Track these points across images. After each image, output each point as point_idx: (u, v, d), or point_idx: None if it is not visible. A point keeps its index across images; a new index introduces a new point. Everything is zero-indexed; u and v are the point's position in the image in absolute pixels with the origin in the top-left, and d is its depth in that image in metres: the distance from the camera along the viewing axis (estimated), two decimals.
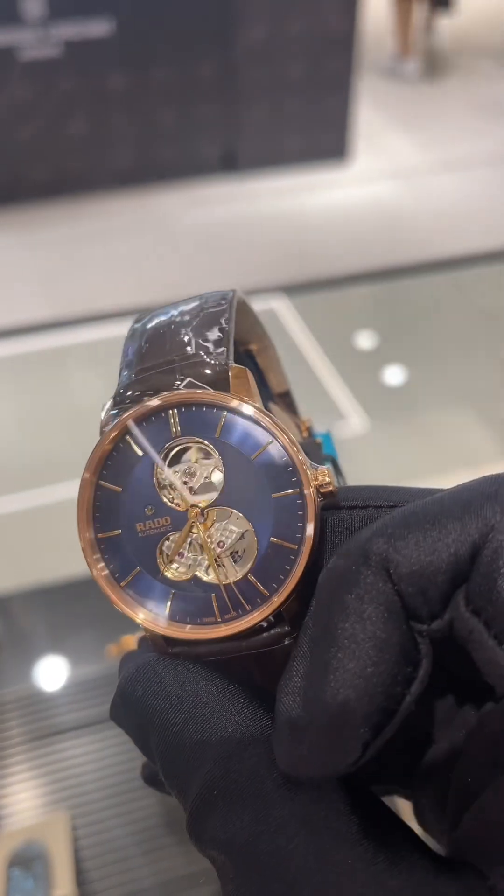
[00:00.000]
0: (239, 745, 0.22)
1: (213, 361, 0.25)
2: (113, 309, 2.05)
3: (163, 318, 0.28)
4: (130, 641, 0.94)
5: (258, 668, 0.25)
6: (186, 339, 0.26)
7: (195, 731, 0.23)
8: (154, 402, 0.25)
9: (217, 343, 0.26)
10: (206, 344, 0.26)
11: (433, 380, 1.96)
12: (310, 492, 0.24)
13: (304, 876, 0.20)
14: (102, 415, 0.26)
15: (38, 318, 2.58)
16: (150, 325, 0.28)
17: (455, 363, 2.02)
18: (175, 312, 0.28)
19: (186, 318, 0.27)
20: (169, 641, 0.25)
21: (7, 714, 1.00)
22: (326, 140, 3.31)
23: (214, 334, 0.26)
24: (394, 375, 2.10)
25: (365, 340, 2.19)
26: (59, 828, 0.90)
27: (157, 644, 0.25)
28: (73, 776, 0.97)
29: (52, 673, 1.07)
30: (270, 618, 0.24)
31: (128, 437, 0.25)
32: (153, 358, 0.26)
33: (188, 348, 0.26)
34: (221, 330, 0.26)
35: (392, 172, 3.35)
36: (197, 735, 0.23)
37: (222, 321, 0.27)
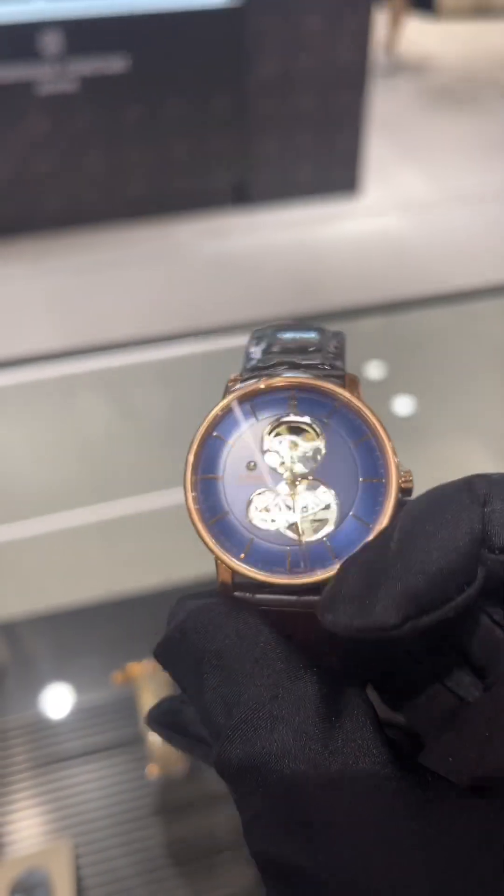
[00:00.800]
0: (289, 679, 0.24)
1: (334, 364, 0.30)
2: (125, 338, 2.07)
3: (287, 326, 0.33)
4: (135, 669, 0.94)
5: (302, 627, 0.27)
6: (311, 347, 0.31)
7: (251, 666, 0.25)
8: (279, 380, 0.29)
9: (336, 357, 0.31)
10: (327, 355, 0.31)
11: (441, 412, 1.97)
12: (395, 484, 0.28)
13: (326, 802, 0.22)
14: (228, 384, 0.30)
15: (50, 346, 2.61)
16: (276, 328, 0.33)
17: (463, 395, 2.02)
18: (300, 335, 0.33)
19: (308, 333, 0.32)
20: (234, 586, 0.28)
21: (11, 741, 0.99)
22: (337, 173, 3.36)
23: (335, 349, 0.31)
24: (402, 406, 2.10)
25: (373, 371, 2.20)
26: (62, 856, 0.89)
27: (224, 586, 0.28)
28: (76, 804, 0.96)
29: (56, 699, 1.07)
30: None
31: (249, 402, 0.29)
32: (282, 352, 0.31)
33: (311, 351, 0.31)
34: (340, 351, 0.32)
35: (402, 205, 3.39)
36: (251, 669, 0.25)
37: (339, 340, 0.32)
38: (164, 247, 3.12)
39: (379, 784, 0.22)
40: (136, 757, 0.97)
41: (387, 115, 3.86)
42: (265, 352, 0.31)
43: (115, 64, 2.89)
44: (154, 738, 0.91)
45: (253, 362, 0.31)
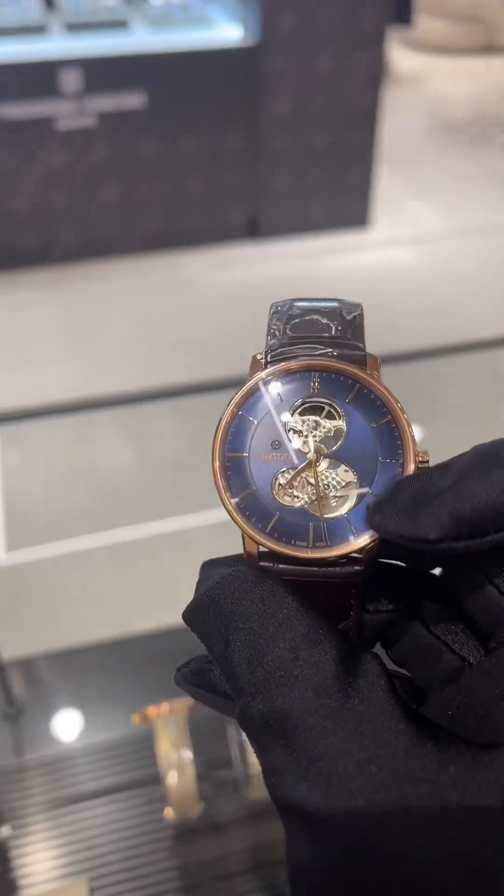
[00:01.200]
0: (309, 642, 0.26)
1: (355, 344, 0.32)
2: (137, 376, 2.09)
3: (307, 305, 0.34)
4: (155, 711, 0.95)
5: (324, 597, 0.29)
6: (333, 325, 0.33)
7: (274, 629, 0.26)
8: (303, 361, 0.31)
9: (356, 334, 0.33)
10: (348, 333, 0.32)
11: (450, 453, 1.98)
12: (411, 463, 0.30)
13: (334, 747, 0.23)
14: (253, 364, 0.31)
15: (66, 373, 2.64)
16: (297, 309, 0.33)
17: (475, 438, 2.03)
18: (319, 305, 0.34)
19: (329, 310, 0.33)
20: (260, 557, 0.29)
21: (29, 780, 1.00)
22: (348, 208, 3.41)
23: (354, 328, 0.33)
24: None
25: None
26: (78, 895, 0.90)
27: (251, 557, 0.29)
28: (93, 845, 0.97)
29: (73, 739, 1.08)
30: (353, 554, 0.29)
31: (273, 382, 0.30)
32: (303, 331, 0.32)
33: (335, 331, 0.32)
34: (359, 326, 0.33)
35: (412, 239, 3.44)
36: (274, 631, 0.26)
37: (359, 319, 0.34)
38: (176, 277, 3.16)
39: (393, 738, 0.23)
40: (153, 798, 0.98)
41: (396, 149, 3.92)
42: (287, 331, 0.32)
43: (132, 100, 2.95)
44: (171, 780, 0.92)
45: (275, 342, 0.32)
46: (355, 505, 0.29)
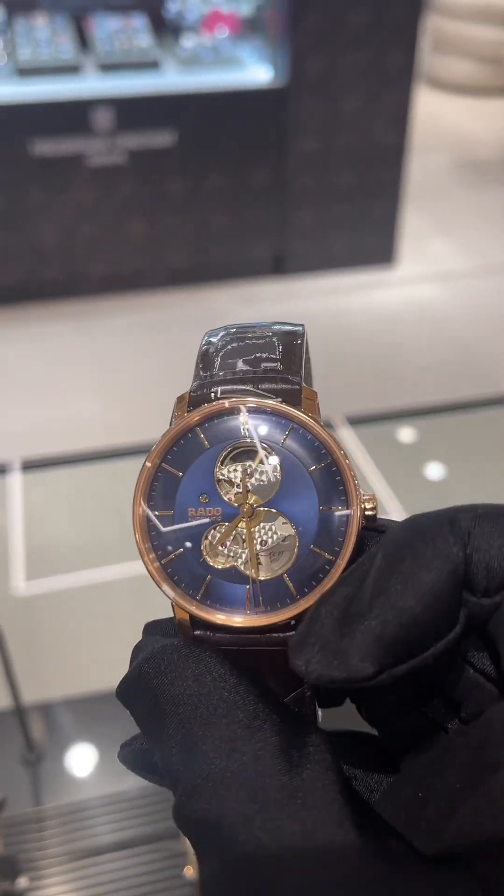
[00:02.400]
0: (248, 730, 0.23)
1: (288, 378, 0.28)
2: (161, 411, 2.10)
3: (238, 335, 0.30)
4: None
5: (269, 668, 0.26)
6: (265, 356, 0.29)
7: (208, 714, 0.24)
8: (229, 402, 0.27)
9: (290, 367, 0.29)
10: (282, 366, 0.29)
11: (469, 483, 1.96)
12: (356, 512, 0.26)
13: (287, 861, 0.21)
14: (175, 409, 0.28)
15: (90, 408, 2.66)
16: (227, 341, 0.30)
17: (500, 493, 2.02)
18: (253, 332, 0.30)
19: (261, 341, 0.30)
20: (193, 625, 0.26)
21: (47, 830, 0.99)
22: (373, 245, 3.43)
23: (289, 359, 0.29)
24: (433, 471, 2.10)
25: (404, 433, 2.21)
26: None
27: (183, 626, 0.27)
28: None
29: (93, 787, 1.06)
30: (293, 621, 0.26)
31: (197, 428, 0.27)
32: (231, 368, 0.29)
33: (266, 364, 0.29)
34: (296, 356, 0.29)
35: (437, 277, 3.44)
36: (209, 717, 0.24)
37: (297, 349, 0.29)
38: (202, 312, 3.19)
39: (340, 855, 0.21)
40: (173, 853, 0.96)
41: (421, 187, 3.95)
42: (215, 365, 0.29)
43: (161, 139, 3.00)
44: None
45: (201, 380, 0.28)
46: (295, 562, 0.26)
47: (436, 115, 5.09)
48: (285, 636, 0.26)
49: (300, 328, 0.30)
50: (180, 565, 0.27)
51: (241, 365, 0.29)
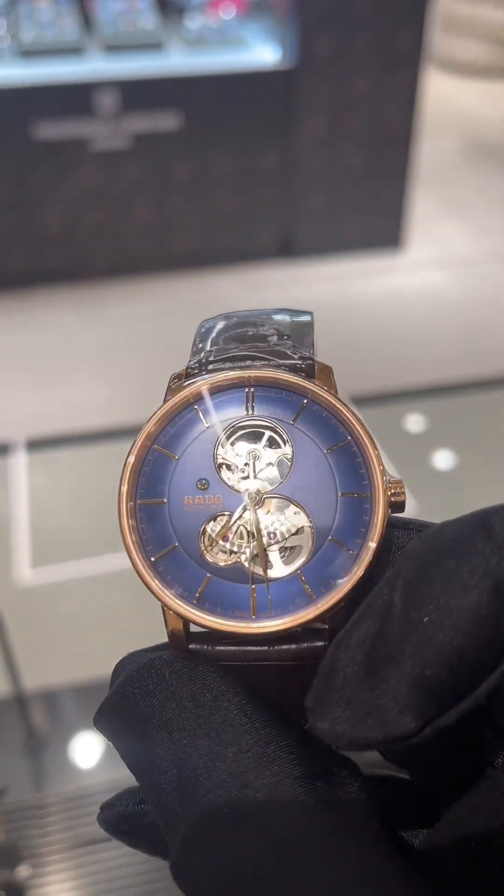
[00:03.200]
0: (260, 760, 0.19)
1: (300, 351, 0.24)
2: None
3: (241, 320, 0.27)
4: None
5: (277, 684, 0.22)
6: (272, 332, 0.25)
7: (211, 742, 0.20)
8: (232, 374, 0.23)
9: (303, 343, 0.25)
10: (292, 342, 0.25)
11: (481, 468, 1.93)
12: (382, 498, 0.22)
13: None
14: (170, 383, 0.24)
15: (96, 394, 2.64)
16: (229, 320, 0.26)
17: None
18: (256, 314, 0.27)
19: (267, 318, 0.26)
20: (189, 637, 0.23)
21: (49, 817, 0.97)
22: (382, 228, 3.39)
23: (300, 338, 0.25)
24: (443, 461, 2.07)
25: (412, 417, 2.18)
26: None
27: (176, 638, 0.23)
28: (112, 888, 0.93)
29: (94, 774, 1.05)
30: (310, 625, 0.22)
31: (195, 406, 0.23)
32: (236, 343, 0.25)
33: (274, 339, 0.25)
34: (307, 336, 0.26)
35: (446, 261, 3.40)
36: (212, 747, 0.19)
37: (306, 328, 0.26)
38: (208, 297, 3.16)
39: None
40: None
41: (430, 170, 3.90)
42: (216, 342, 0.25)
43: (167, 122, 2.97)
44: None
45: (200, 356, 0.25)
46: (310, 558, 0.22)
47: (446, 97, 5.02)
48: (299, 648, 0.22)
49: (308, 315, 0.27)
50: (174, 563, 0.23)
51: (244, 340, 0.25)
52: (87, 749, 1.10)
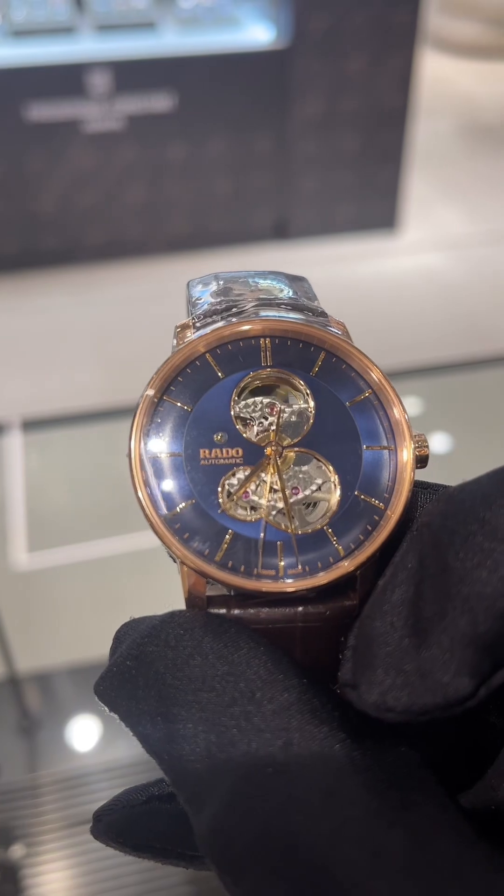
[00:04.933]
0: (304, 714, 0.18)
1: (310, 306, 0.23)
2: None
3: (236, 274, 0.25)
4: None
5: (302, 646, 0.21)
6: (282, 286, 0.24)
7: (246, 700, 0.18)
8: (247, 324, 0.22)
9: (308, 298, 0.24)
10: (297, 294, 0.24)
11: (477, 453, 1.93)
12: (409, 449, 0.21)
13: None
14: (179, 333, 0.23)
15: (91, 378, 2.63)
16: (225, 278, 0.25)
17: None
18: (250, 275, 0.25)
19: (270, 274, 0.25)
20: (209, 599, 0.21)
21: (43, 797, 0.98)
22: (377, 211, 3.37)
23: (305, 293, 0.25)
24: (439, 442, 2.07)
25: (410, 406, 2.18)
26: None
27: (195, 599, 0.21)
28: (106, 866, 0.94)
29: (88, 755, 1.05)
30: (339, 582, 0.20)
31: (208, 355, 0.22)
32: (244, 291, 0.24)
33: (284, 291, 0.24)
34: (309, 291, 0.25)
35: (442, 243, 3.38)
36: (247, 704, 0.18)
37: (307, 285, 0.25)
38: None
39: (466, 870, 0.15)
40: None
41: (426, 151, 3.87)
42: (219, 293, 0.24)
43: (160, 103, 2.94)
44: None
45: (205, 305, 0.23)
46: (336, 510, 0.21)
47: (442, 77, 4.98)
48: (326, 607, 0.20)
49: (304, 279, 0.26)
50: (192, 519, 0.21)
51: (254, 290, 0.24)
52: (81, 730, 1.11)
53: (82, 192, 3.05)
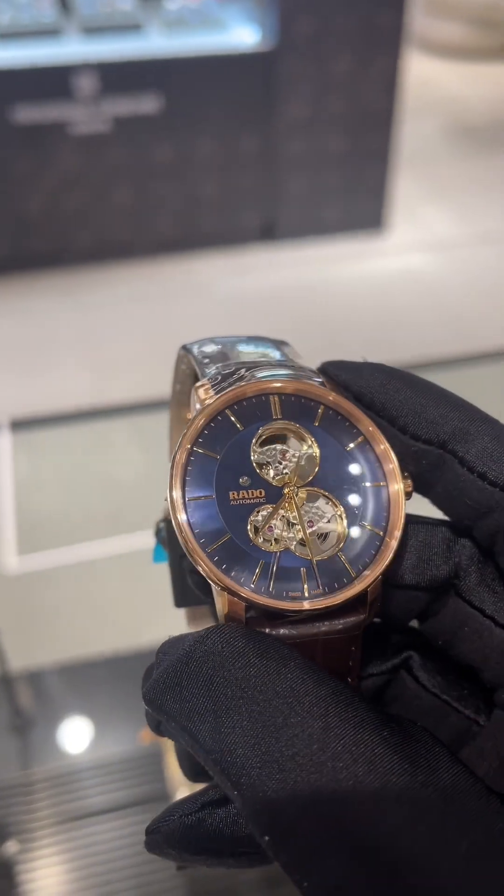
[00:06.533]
0: (339, 702, 0.20)
1: (306, 367, 0.28)
2: (150, 381, 2.08)
3: (234, 338, 0.30)
4: None
5: (322, 655, 0.24)
6: (274, 350, 0.29)
7: (288, 692, 0.20)
8: (259, 384, 0.26)
9: (296, 358, 0.29)
10: (292, 358, 0.28)
11: None
12: (399, 486, 0.25)
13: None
14: (200, 393, 0.26)
15: (78, 379, 2.63)
16: (224, 341, 0.29)
17: None
18: (245, 337, 0.30)
19: (259, 340, 0.29)
20: (248, 619, 0.24)
21: (36, 794, 0.98)
22: (364, 211, 3.39)
23: (296, 357, 0.29)
24: None
25: None
26: None
27: (233, 620, 0.24)
28: (98, 861, 0.95)
29: (81, 753, 1.06)
30: (352, 600, 0.24)
31: (227, 411, 0.26)
32: (248, 357, 0.28)
33: (280, 355, 0.28)
34: (295, 355, 0.29)
35: (428, 244, 3.41)
36: (290, 696, 0.20)
37: (291, 349, 0.30)
38: (190, 282, 3.15)
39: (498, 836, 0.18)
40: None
41: (413, 153, 3.89)
42: (230, 357, 0.28)
43: (147, 105, 2.95)
44: (181, 797, 0.90)
45: (215, 368, 0.27)
46: (345, 539, 0.25)
47: (427, 79, 5.01)
48: (343, 621, 0.24)
49: (286, 341, 0.30)
50: (228, 552, 0.24)
51: (255, 356, 0.28)
52: (73, 729, 1.11)
53: (70, 195, 3.05)
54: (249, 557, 0.24)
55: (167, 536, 0.33)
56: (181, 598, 0.31)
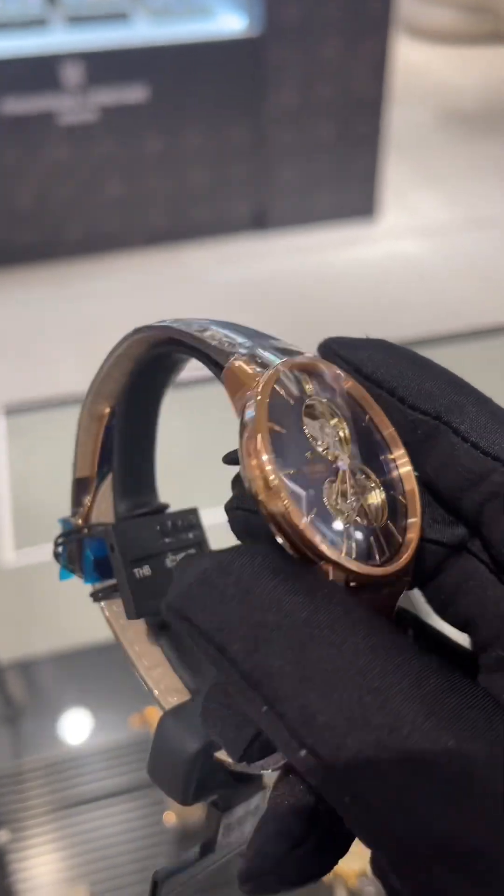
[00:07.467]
0: (395, 643, 0.19)
1: (299, 349, 0.28)
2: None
3: (202, 321, 0.30)
4: (154, 713, 0.93)
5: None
6: (273, 341, 0.29)
7: (340, 623, 0.19)
8: (298, 360, 0.27)
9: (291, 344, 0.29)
10: (282, 343, 0.29)
11: None
12: (408, 459, 0.26)
13: None
14: (246, 369, 0.26)
15: (71, 372, 2.62)
16: (226, 325, 0.29)
17: None
18: (231, 324, 0.30)
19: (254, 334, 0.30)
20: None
21: (28, 783, 0.98)
22: (355, 198, 3.37)
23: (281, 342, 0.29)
24: None
25: None
26: None
27: None
28: (93, 849, 0.95)
29: (73, 741, 1.06)
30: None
31: (275, 385, 0.25)
32: (266, 337, 0.28)
33: (278, 340, 0.28)
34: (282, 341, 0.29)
35: (420, 230, 3.40)
36: (342, 629, 0.19)
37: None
38: (182, 272, 3.14)
39: None
40: (153, 801, 0.96)
41: (403, 139, 3.88)
42: (248, 336, 0.28)
43: (135, 94, 2.93)
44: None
45: (246, 348, 0.27)
46: (387, 508, 0.26)
47: (417, 64, 4.98)
48: (399, 583, 0.25)
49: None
50: (320, 523, 0.24)
51: (255, 339, 0.28)
52: (66, 718, 1.11)
53: (59, 186, 3.04)
54: (334, 528, 0.24)
55: (114, 543, 0.34)
56: (138, 608, 0.33)
